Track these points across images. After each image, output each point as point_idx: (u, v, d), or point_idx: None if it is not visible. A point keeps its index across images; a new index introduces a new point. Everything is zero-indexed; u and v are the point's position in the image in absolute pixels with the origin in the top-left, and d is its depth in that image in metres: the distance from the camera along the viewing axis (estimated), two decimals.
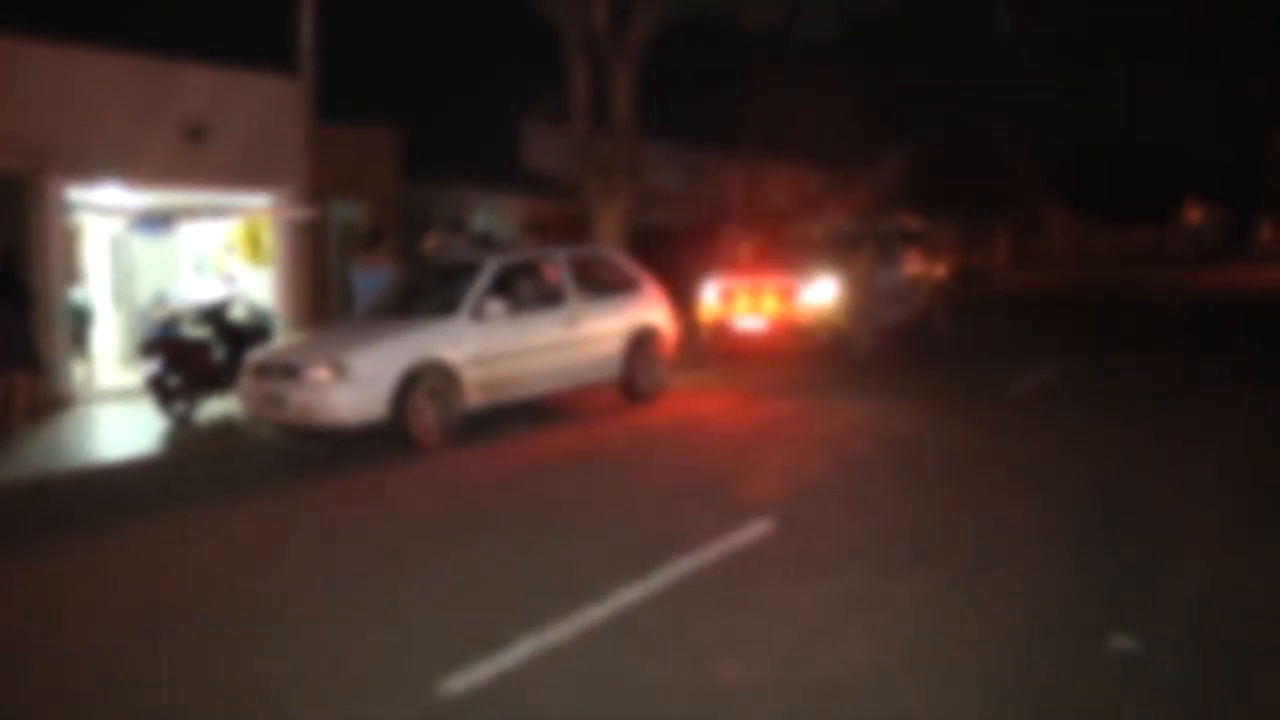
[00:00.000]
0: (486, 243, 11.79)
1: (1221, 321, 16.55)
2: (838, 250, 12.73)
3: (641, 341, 9.56)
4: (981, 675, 3.59)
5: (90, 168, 10.22)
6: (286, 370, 7.71)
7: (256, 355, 8.29)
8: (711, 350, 12.56)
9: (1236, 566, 4.63)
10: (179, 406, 9.01)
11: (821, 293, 11.93)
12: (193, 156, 11.02)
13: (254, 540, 5.76)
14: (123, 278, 12.41)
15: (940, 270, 15.17)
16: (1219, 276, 27.45)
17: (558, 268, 9.25)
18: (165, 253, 12.90)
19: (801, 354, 12.27)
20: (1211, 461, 6.65)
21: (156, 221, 11.51)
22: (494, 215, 17.45)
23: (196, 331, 9.37)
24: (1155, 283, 26.23)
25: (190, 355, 9.02)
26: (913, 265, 14.09)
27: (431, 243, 11.01)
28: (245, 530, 5.98)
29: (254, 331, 9.57)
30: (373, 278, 10.22)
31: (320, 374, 7.44)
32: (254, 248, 12.48)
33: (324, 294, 12.99)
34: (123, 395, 10.55)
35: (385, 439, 7.67)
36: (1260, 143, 39.68)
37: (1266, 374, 10.40)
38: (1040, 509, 5.66)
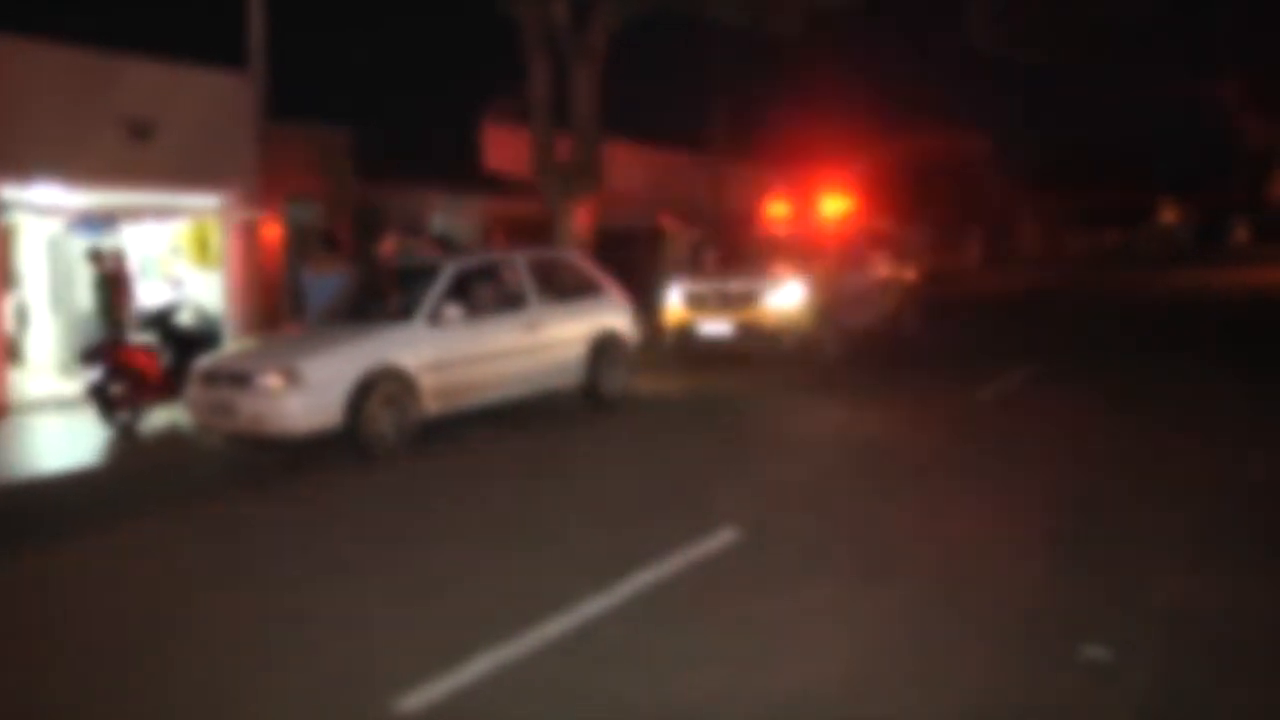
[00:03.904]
0: (445, 245, 11.54)
1: (1192, 323, 16.68)
2: (800, 252, 12.66)
3: (604, 346, 9.39)
4: (951, 684, 3.53)
5: (25, 165, 9.81)
6: (236, 377, 7.44)
7: (204, 362, 8.00)
8: (675, 355, 12.42)
9: (1209, 573, 4.59)
10: (122, 416, 8.68)
11: (788, 296, 11.84)
12: (136, 155, 10.62)
13: (202, 554, 5.52)
14: (61, 281, 11.94)
15: (910, 273, 15.16)
16: (1190, 278, 27.76)
17: (517, 271, 9.06)
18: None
19: (768, 358, 12.16)
20: (1183, 465, 6.64)
21: (97, 222, 11.07)
22: (453, 217, 17.16)
23: (141, 337, 9.04)
24: (1126, 284, 26.57)
25: (134, 362, 8.69)
26: (881, 268, 14.06)
27: (387, 245, 10.75)
28: (193, 545, 5.74)
29: (201, 337, 9.25)
30: (324, 281, 9.95)
31: (271, 381, 7.18)
32: (201, 250, 12.11)
33: (275, 298, 12.64)
34: (62, 404, 10.13)
35: (339, 448, 7.45)
36: (1233, 142, 40.34)
37: (1238, 375, 10.41)
38: (1009, 515, 5.61)
